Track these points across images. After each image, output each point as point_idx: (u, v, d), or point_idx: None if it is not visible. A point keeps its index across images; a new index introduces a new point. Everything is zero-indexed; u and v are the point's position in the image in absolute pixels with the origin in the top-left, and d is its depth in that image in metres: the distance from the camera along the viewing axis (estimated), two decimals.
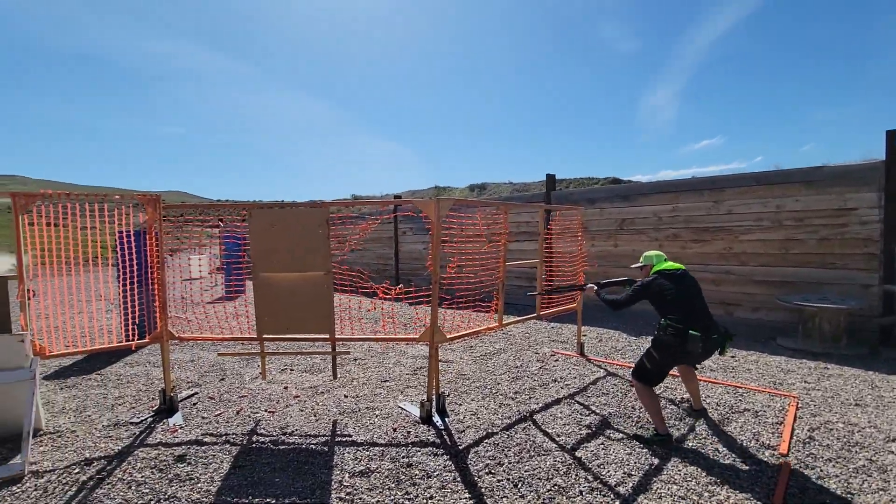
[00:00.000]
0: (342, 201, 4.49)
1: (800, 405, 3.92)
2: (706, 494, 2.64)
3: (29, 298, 3.46)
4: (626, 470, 2.91)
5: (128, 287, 4.71)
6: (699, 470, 2.90)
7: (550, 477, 2.85)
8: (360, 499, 2.66)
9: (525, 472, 2.92)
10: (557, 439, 3.36)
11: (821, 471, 2.89)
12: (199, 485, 2.85)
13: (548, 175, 9.01)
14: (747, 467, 2.93)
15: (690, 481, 2.77)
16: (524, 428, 3.55)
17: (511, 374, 4.86)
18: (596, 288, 3.92)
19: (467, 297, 4.21)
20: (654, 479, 2.81)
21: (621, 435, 3.40)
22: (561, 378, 4.71)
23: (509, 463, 3.02)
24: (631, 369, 3.50)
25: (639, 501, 2.58)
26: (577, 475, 2.86)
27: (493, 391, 4.37)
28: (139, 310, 4.61)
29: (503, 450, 3.20)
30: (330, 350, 4.01)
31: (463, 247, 4.04)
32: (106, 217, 3.88)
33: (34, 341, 3.43)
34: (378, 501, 2.63)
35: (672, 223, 7.32)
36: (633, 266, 3.96)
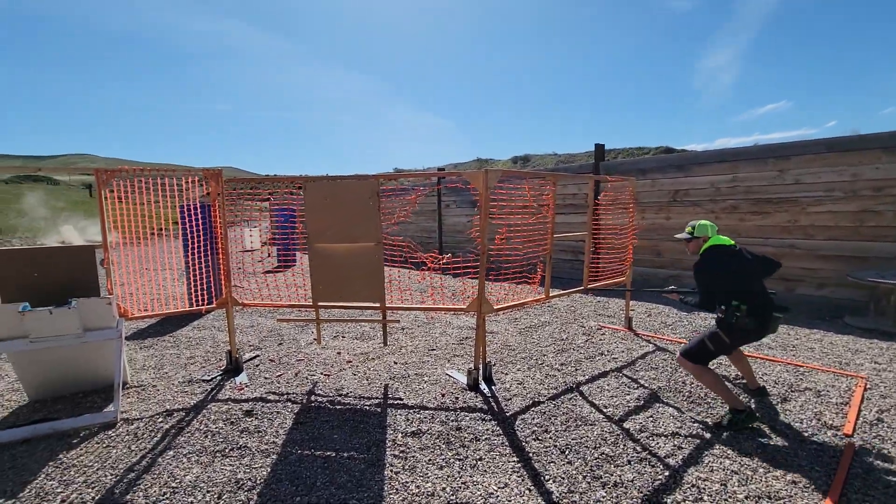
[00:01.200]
0: (391, 174, 4.56)
1: (868, 386, 3.71)
2: (761, 470, 2.59)
3: (106, 266, 3.80)
4: (675, 443, 2.90)
5: (192, 257, 5.07)
6: (754, 446, 2.84)
7: (598, 446, 2.88)
8: (413, 456, 2.81)
9: (572, 440, 2.97)
10: (605, 410, 3.37)
11: (888, 452, 2.76)
12: (266, 437, 3.10)
13: (596, 145, 8.69)
14: (807, 446, 2.84)
15: (744, 457, 2.72)
16: (570, 398, 3.59)
17: (557, 347, 4.87)
18: (679, 298, 3.61)
19: (514, 270, 4.21)
20: (706, 452, 2.78)
21: (672, 409, 3.36)
22: (608, 351, 4.68)
23: (556, 431, 3.08)
24: (683, 347, 3.33)
25: (689, 473, 2.58)
26: (624, 445, 2.88)
27: (539, 362, 4.41)
28: (204, 278, 4.96)
29: (549, 418, 3.26)
30: (380, 318, 4.18)
31: (510, 219, 4.02)
32: (175, 191, 4.14)
33: (118, 304, 3.78)
34: (430, 460, 2.77)
35: (731, 194, 6.91)
36: (677, 236, 3.65)
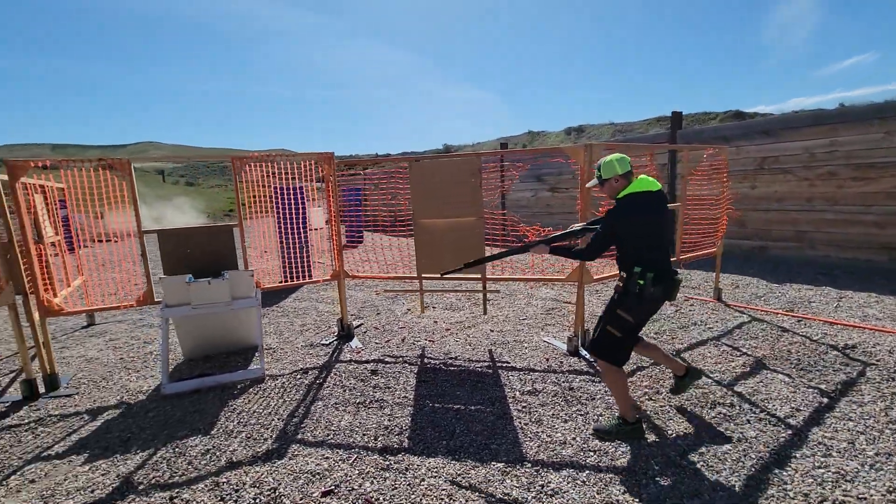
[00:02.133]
0: (493, 152, 4.75)
1: None
2: (887, 431, 2.64)
3: (243, 244, 4.28)
4: (793, 405, 2.98)
5: (287, 235, 5.56)
6: (877, 409, 2.87)
7: (713, 406, 3.02)
8: (536, 411, 3.08)
9: (685, 400, 3.12)
10: (711, 375, 3.48)
11: None
12: (397, 392, 3.49)
13: (673, 113, 8.40)
14: None
15: (868, 419, 2.77)
16: None
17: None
18: (547, 247, 2.88)
19: None
20: (827, 415, 2.85)
21: (782, 375, 3.42)
22: (701, 322, 4.72)
23: (667, 393, 3.24)
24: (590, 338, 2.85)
25: (812, 433, 2.68)
26: (741, 407, 3.00)
27: None
28: (299, 254, 5.43)
29: (657, 381, 3.42)
30: (480, 289, 4.45)
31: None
32: (297, 173, 4.55)
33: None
34: (553, 414, 3.03)
35: (828, 160, 6.53)
36: (587, 185, 2.95)
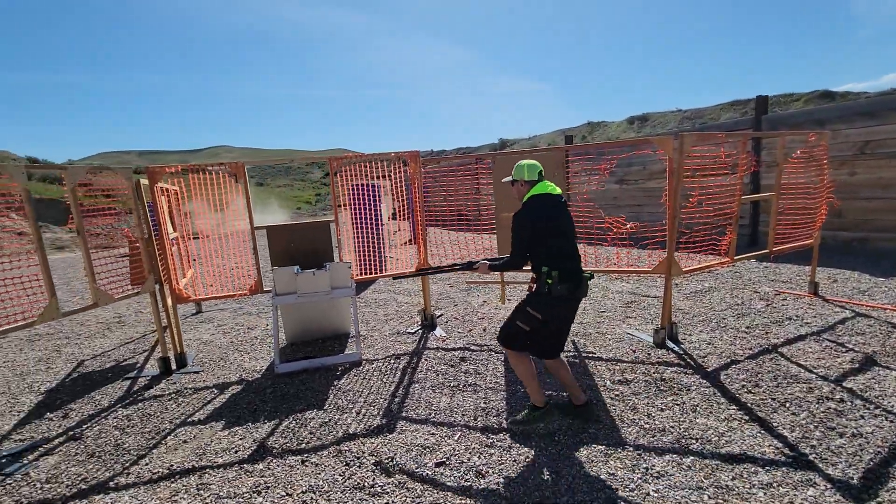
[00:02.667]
0: (579, 146, 4.79)
1: None
2: None
3: (339, 237, 4.63)
4: None
5: (362, 231, 5.85)
6: None
7: (820, 401, 2.93)
8: (630, 400, 3.14)
9: (788, 394, 3.05)
10: (815, 371, 3.35)
11: None
12: (487, 377, 3.66)
13: (758, 97, 7.91)
14: None
15: None
16: (771, 359, 3.61)
17: (734, 311, 4.80)
18: (488, 264, 3.00)
19: (703, 234, 4.21)
20: None
21: (895, 372, 3.23)
22: (796, 317, 4.50)
23: (767, 387, 3.17)
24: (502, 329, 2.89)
25: None
26: (852, 403, 2.89)
27: (721, 325, 4.42)
28: (375, 248, 5.72)
29: (755, 375, 3.35)
30: None
31: (698, 181, 4.03)
32: (388, 172, 4.84)
33: None
34: (648, 403, 3.07)
35: None
36: (504, 180, 3.10)
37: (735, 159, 4.03)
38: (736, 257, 4.34)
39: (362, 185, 6.47)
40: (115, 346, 5.17)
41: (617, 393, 3.25)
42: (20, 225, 15.12)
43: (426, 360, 4.12)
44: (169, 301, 4.26)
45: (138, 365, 4.53)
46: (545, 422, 2.86)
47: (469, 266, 3.09)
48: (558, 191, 2.84)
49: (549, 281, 2.65)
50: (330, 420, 3.18)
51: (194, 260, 5.63)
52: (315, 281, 4.10)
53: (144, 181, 4.10)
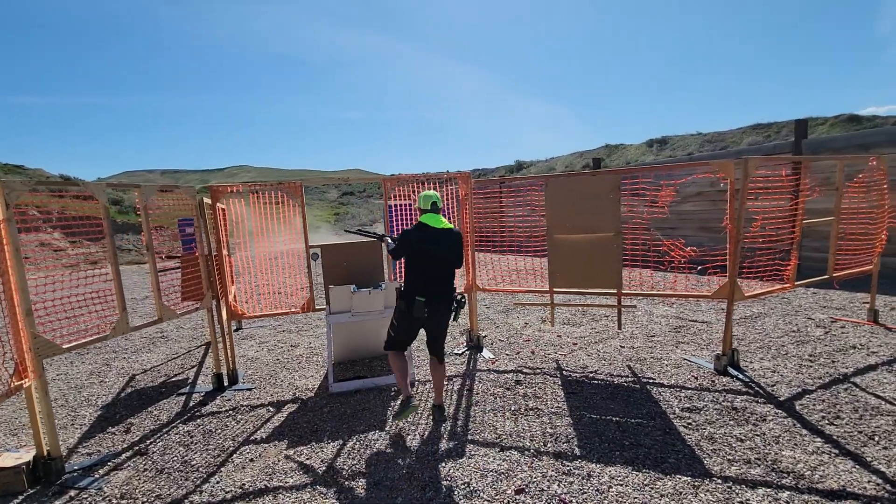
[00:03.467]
0: (630, 168, 4.79)
1: None
2: None
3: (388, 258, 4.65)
4: None
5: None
6: None
7: None
8: (704, 429, 3.04)
9: (875, 427, 2.92)
10: None
11: None
12: (547, 401, 3.59)
13: (797, 121, 7.86)
14: None
15: None
16: (846, 389, 3.47)
17: (792, 338, 4.66)
18: (389, 241, 3.68)
19: (767, 258, 4.14)
20: None
21: None
22: (861, 345, 4.35)
23: (850, 418, 3.04)
24: None
25: None
26: None
27: (781, 352, 4.29)
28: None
29: (833, 406, 3.22)
30: (615, 303, 4.46)
31: (759, 206, 3.98)
32: (445, 191, 4.88)
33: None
34: (725, 433, 2.97)
35: None
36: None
37: (791, 183, 3.97)
38: (797, 282, 4.24)
39: (400, 205, 6.54)
40: (162, 361, 5.22)
41: (689, 421, 3.15)
42: (55, 241, 15.59)
43: (480, 381, 4.07)
44: (224, 317, 4.30)
45: (189, 380, 4.56)
46: (405, 413, 3.25)
47: (381, 238, 3.88)
48: (440, 224, 3.30)
49: (398, 289, 3.46)
50: (394, 442, 3.14)
51: (238, 277, 5.71)
52: (370, 300, 4.11)
53: (207, 200, 4.20)
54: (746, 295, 3.90)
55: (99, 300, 3.36)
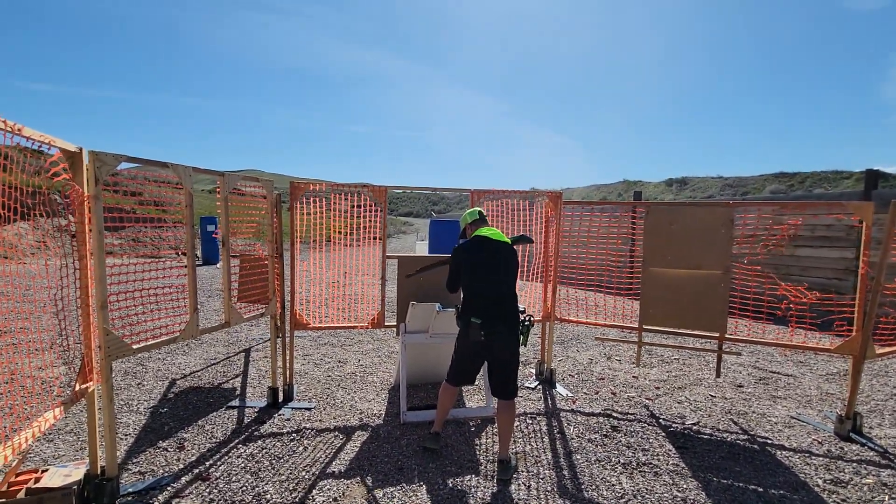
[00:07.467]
0: (745, 202, 4.46)
1: None
2: None
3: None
4: None
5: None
6: None
7: None
8: None
9: None
10: None
11: None
12: (658, 456, 3.15)
13: (868, 171, 7.57)
14: None
15: None
16: None
17: None
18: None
19: None
20: None
21: None
22: None
23: None
24: None
25: None
26: None
27: None
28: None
29: None
30: (716, 348, 4.05)
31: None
32: (534, 212, 4.55)
33: None
34: None
35: None
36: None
37: None
38: None
39: (442, 220, 6.12)
40: (201, 367, 4.80)
41: (842, 498, 2.71)
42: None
43: (568, 424, 3.64)
44: (287, 327, 3.91)
45: (237, 392, 4.14)
46: (427, 444, 3.12)
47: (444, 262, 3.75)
48: (495, 235, 3.05)
49: (455, 310, 3.12)
50: (499, 492, 2.70)
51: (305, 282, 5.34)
52: (452, 320, 3.72)
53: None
54: (878, 353, 3.50)
55: (170, 298, 2.98)
